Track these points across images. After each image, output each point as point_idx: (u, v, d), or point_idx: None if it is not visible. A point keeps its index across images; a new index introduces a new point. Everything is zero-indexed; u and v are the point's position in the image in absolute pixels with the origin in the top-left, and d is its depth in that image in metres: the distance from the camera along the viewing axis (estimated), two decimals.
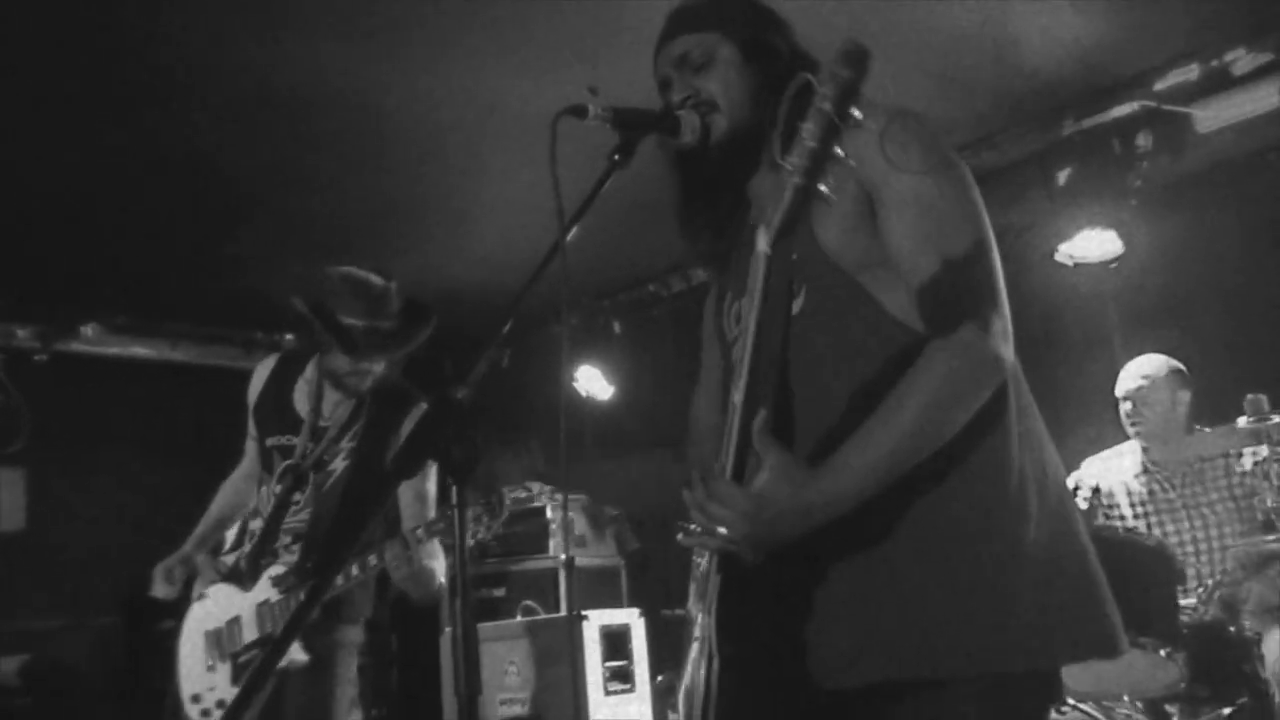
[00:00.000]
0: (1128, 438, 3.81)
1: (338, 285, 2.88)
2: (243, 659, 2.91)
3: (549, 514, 5.23)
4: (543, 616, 4.85)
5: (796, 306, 1.53)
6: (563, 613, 4.89)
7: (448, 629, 4.81)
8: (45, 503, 5.89)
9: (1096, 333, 4.46)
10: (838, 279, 1.52)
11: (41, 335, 4.12)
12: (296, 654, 2.79)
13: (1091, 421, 4.02)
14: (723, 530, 1.39)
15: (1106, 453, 3.87)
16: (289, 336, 6.06)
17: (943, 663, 1.40)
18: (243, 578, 3.00)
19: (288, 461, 3.00)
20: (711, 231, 1.75)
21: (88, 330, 4.03)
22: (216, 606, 3.02)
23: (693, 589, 1.50)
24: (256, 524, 3.07)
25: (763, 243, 1.38)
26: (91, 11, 3.35)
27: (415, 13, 3.47)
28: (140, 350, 5.97)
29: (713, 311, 1.81)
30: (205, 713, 2.92)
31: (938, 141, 1.55)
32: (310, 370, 3.06)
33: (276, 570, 2.93)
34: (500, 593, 5.14)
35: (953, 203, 1.49)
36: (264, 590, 2.92)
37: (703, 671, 1.44)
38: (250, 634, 2.91)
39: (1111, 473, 3.80)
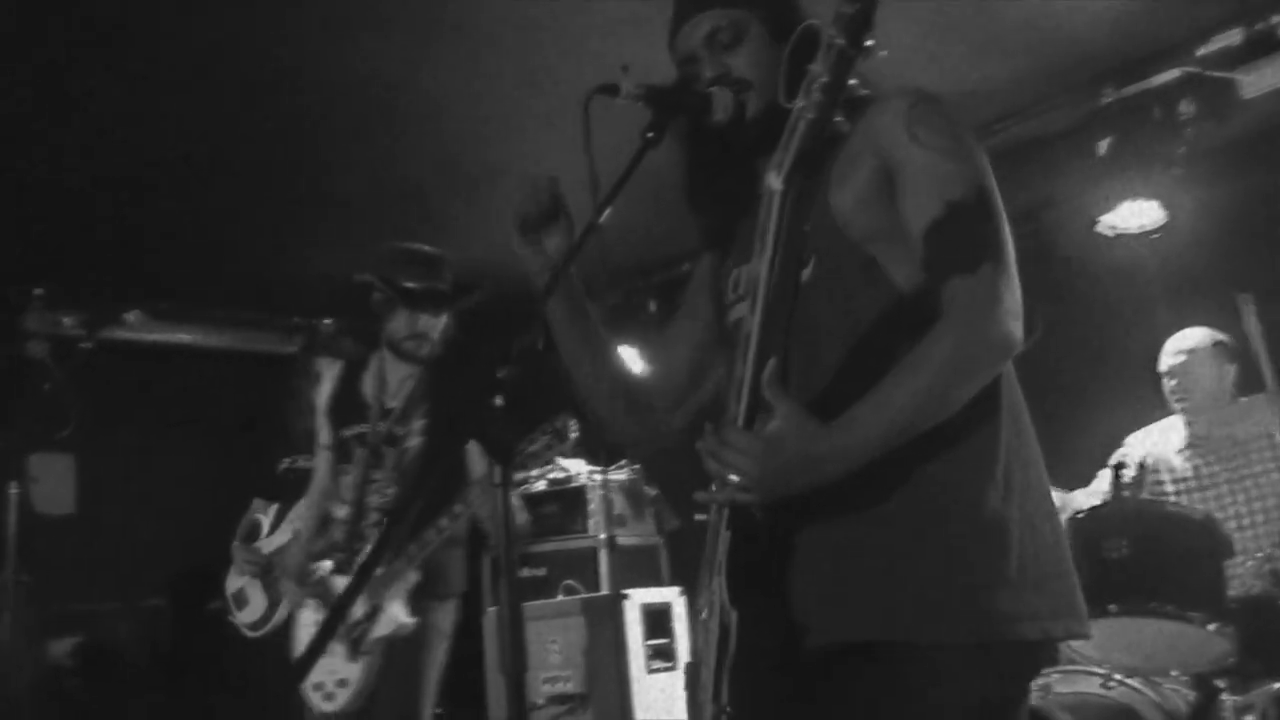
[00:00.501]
0: (1171, 413, 3.76)
1: (396, 255, 3.17)
2: (355, 634, 3.04)
3: (588, 493, 5.25)
4: (584, 595, 4.87)
5: (805, 275, 1.54)
6: (604, 592, 4.91)
7: (491, 608, 4.85)
8: (93, 487, 5.97)
9: (1139, 306, 4.39)
10: (849, 250, 1.54)
11: (87, 323, 4.19)
12: (401, 616, 3.01)
13: (1134, 396, 3.97)
14: (734, 477, 1.40)
15: (1150, 428, 3.82)
16: (326, 321, 6.11)
17: (928, 628, 1.44)
18: (342, 565, 3.14)
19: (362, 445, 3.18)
20: (723, 208, 1.77)
21: (130, 317, 4.10)
22: (323, 599, 3.17)
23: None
24: (342, 511, 3.18)
25: (774, 180, 1.38)
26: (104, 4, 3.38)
27: None
28: (182, 336, 6.05)
29: (707, 272, 1.85)
30: (329, 695, 3.07)
31: (960, 126, 1.58)
32: (374, 362, 3.25)
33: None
34: (541, 572, 5.16)
35: (972, 184, 1.51)
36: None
37: (715, 628, 1.46)
38: (360, 610, 3.04)
39: (1156, 447, 3.75)
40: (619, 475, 5.38)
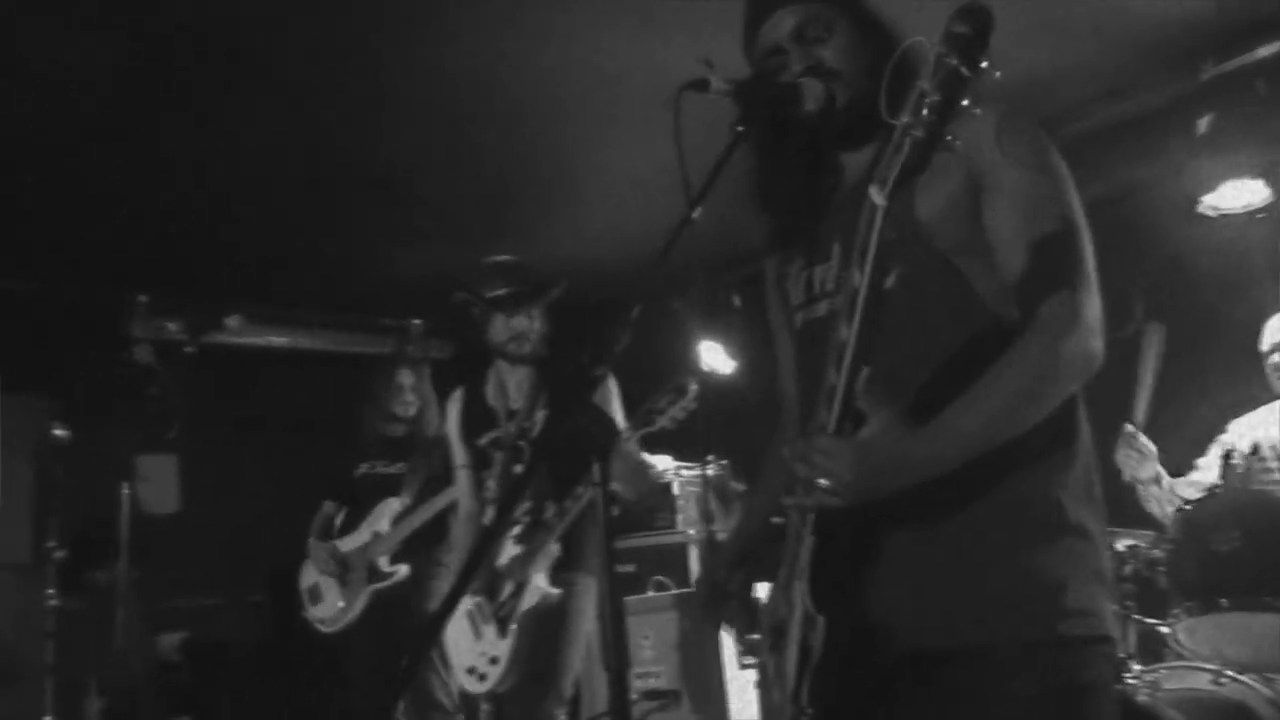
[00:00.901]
0: (1277, 396, 3.63)
1: (480, 270, 3.42)
2: (503, 611, 3.23)
3: (676, 489, 5.25)
4: (676, 591, 4.87)
5: (888, 283, 1.51)
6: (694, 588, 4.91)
7: None
8: (196, 486, 6.14)
9: (1243, 287, 4.23)
10: (933, 260, 1.55)
11: (189, 328, 4.34)
12: (545, 587, 3.18)
13: (1239, 381, 3.83)
14: (823, 481, 1.40)
15: (1256, 412, 3.69)
16: (416, 322, 6.21)
17: (1012, 628, 1.47)
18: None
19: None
20: (796, 206, 1.76)
21: (231, 322, 4.24)
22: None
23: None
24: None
25: (878, 196, 1.37)
26: (218, 13, 3.47)
27: None
28: (277, 339, 6.20)
29: (776, 278, 1.84)
30: (483, 676, 3.25)
31: (1047, 140, 1.60)
32: (490, 374, 3.48)
33: (515, 530, 3.28)
34: (630, 568, 5.18)
35: (1058, 201, 1.54)
36: (508, 551, 3.26)
37: (797, 631, 1.48)
38: (506, 587, 3.23)
39: (1262, 433, 3.62)
40: (707, 470, 5.37)
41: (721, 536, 5.21)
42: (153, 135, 4.25)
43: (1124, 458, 3.37)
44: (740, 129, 1.59)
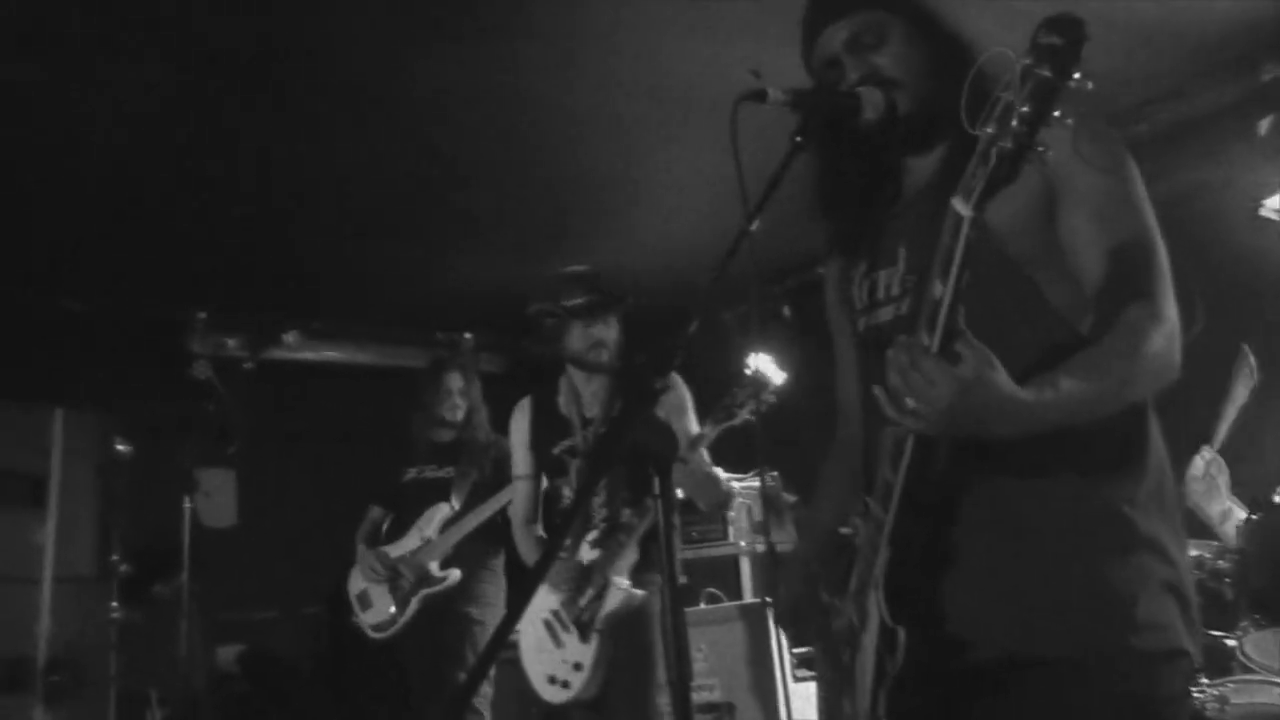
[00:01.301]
0: None
1: (556, 281, 3.41)
2: (585, 615, 3.22)
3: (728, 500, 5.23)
4: (729, 604, 4.84)
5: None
6: (747, 600, 4.88)
7: None
8: (254, 500, 6.23)
9: None
10: (1004, 267, 1.52)
11: (248, 344, 4.40)
12: (626, 587, 3.18)
13: None
14: (913, 403, 1.35)
15: None
16: (467, 336, 6.25)
17: (1089, 639, 1.46)
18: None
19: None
20: (857, 210, 1.76)
21: (289, 338, 4.29)
22: (541, 601, 3.31)
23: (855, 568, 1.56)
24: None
25: (963, 207, 1.34)
26: (273, 32, 3.53)
27: (570, 5, 3.52)
28: (331, 353, 6.27)
29: (837, 283, 1.83)
30: (566, 684, 3.22)
31: (1122, 144, 1.59)
32: (562, 384, 3.48)
33: (593, 535, 3.30)
34: (683, 580, 5.16)
35: (1136, 207, 1.54)
36: (586, 555, 3.26)
37: (871, 643, 1.48)
38: (585, 594, 3.22)
39: None
40: (757, 482, 5.35)
41: (782, 548, 5.19)
42: (210, 154, 4.33)
43: (1193, 483, 3.22)
44: (799, 139, 1.58)
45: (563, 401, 3.47)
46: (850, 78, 1.65)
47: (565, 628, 3.25)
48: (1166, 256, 1.53)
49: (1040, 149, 1.28)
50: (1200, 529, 3.30)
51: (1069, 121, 1.33)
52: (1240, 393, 3.21)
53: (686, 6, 3.56)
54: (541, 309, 3.38)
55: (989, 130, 1.30)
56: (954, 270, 1.35)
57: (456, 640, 4.18)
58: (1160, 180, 1.56)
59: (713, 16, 3.61)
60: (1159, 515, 1.54)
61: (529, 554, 3.47)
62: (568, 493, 3.39)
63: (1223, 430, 3.23)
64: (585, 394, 3.44)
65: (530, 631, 3.36)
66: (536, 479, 3.50)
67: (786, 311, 5.94)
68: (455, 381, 4.50)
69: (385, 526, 4.54)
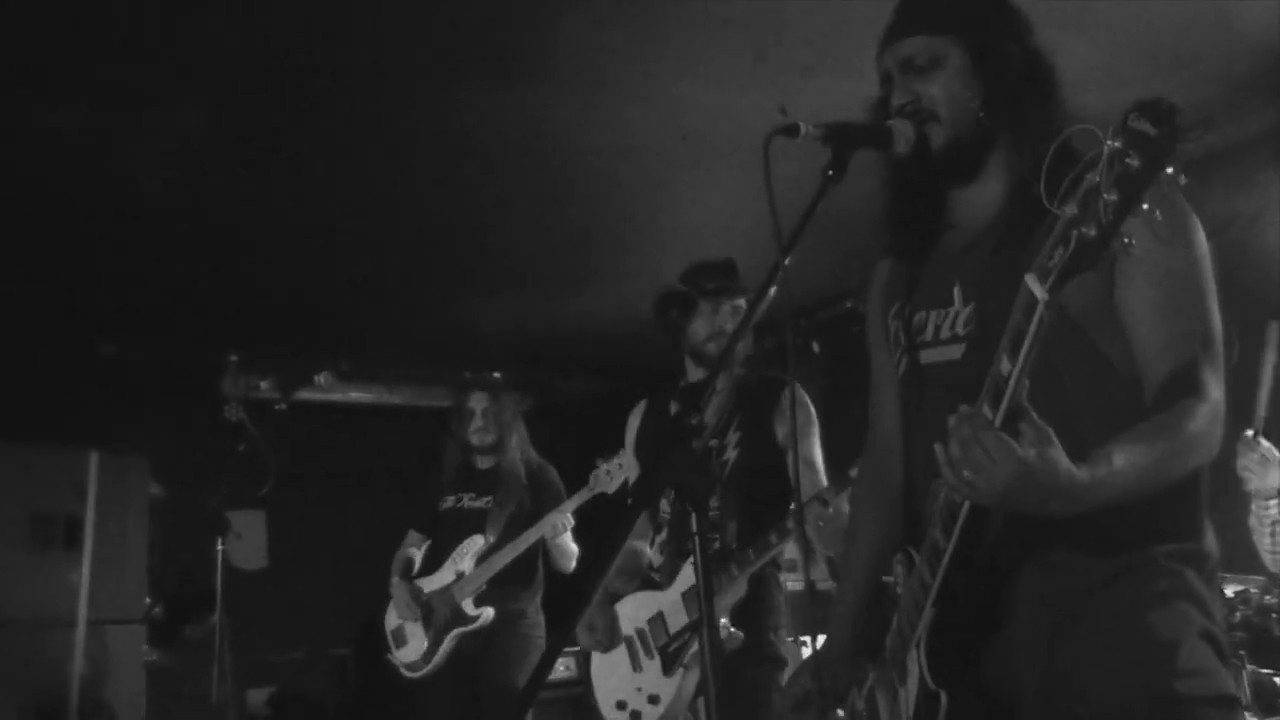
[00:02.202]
0: None
1: (695, 267, 3.28)
2: (673, 647, 2.96)
3: None
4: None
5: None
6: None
7: None
8: (283, 542, 6.24)
9: None
10: (1064, 328, 1.47)
11: (280, 385, 4.42)
12: (727, 625, 2.89)
13: None
14: (970, 475, 1.32)
15: None
16: (496, 375, 6.25)
17: (1135, 688, 1.43)
18: (655, 581, 3.09)
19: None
20: (918, 235, 1.73)
21: (321, 379, 4.30)
22: (630, 613, 3.08)
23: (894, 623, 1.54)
24: (659, 541, 3.18)
25: (1039, 289, 1.30)
26: (304, 77, 3.58)
27: (597, 48, 3.55)
28: (360, 395, 6.30)
29: (881, 310, 1.80)
30: (636, 714, 2.98)
31: (1184, 206, 1.53)
32: (677, 389, 3.31)
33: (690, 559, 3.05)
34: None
35: (1195, 282, 1.52)
36: (686, 580, 2.97)
37: (910, 707, 1.45)
38: (678, 622, 2.97)
39: None
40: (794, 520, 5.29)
41: (821, 586, 5.11)
42: (242, 198, 4.38)
43: (1244, 468, 3.08)
44: (830, 173, 1.57)
45: (672, 406, 3.30)
46: (893, 102, 1.65)
47: (649, 652, 3.01)
48: (1219, 325, 1.52)
49: (1125, 240, 1.23)
50: (1245, 563, 3.23)
51: (1157, 215, 1.26)
52: (1270, 364, 3.11)
53: (709, 51, 3.58)
54: (673, 289, 3.24)
55: (1071, 210, 1.26)
56: (1024, 350, 1.32)
57: (486, 691, 4.04)
58: (1196, 209, 1.51)
59: (736, 60, 3.63)
60: (1202, 577, 1.53)
61: (617, 563, 3.16)
62: (664, 505, 3.14)
63: (1261, 410, 3.11)
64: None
65: (606, 685, 3.11)
66: None
67: (816, 346, 5.92)
68: (479, 402, 4.30)
69: (421, 555, 4.38)
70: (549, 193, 4.53)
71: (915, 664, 1.45)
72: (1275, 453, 3.08)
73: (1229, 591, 2.99)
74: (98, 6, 3.11)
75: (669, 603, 3.00)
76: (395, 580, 4.30)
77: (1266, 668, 2.95)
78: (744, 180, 4.17)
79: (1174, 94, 3.80)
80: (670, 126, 4.04)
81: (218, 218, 4.51)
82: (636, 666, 3.01)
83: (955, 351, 1.61)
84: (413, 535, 4.44)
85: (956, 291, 1.63)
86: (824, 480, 3.00)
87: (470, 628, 4.08)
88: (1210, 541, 1.57)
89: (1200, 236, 1.55)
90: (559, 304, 5.75)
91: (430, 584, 4.26)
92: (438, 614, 4.15)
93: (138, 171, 4.05)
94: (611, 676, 3.07)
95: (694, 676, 2.91)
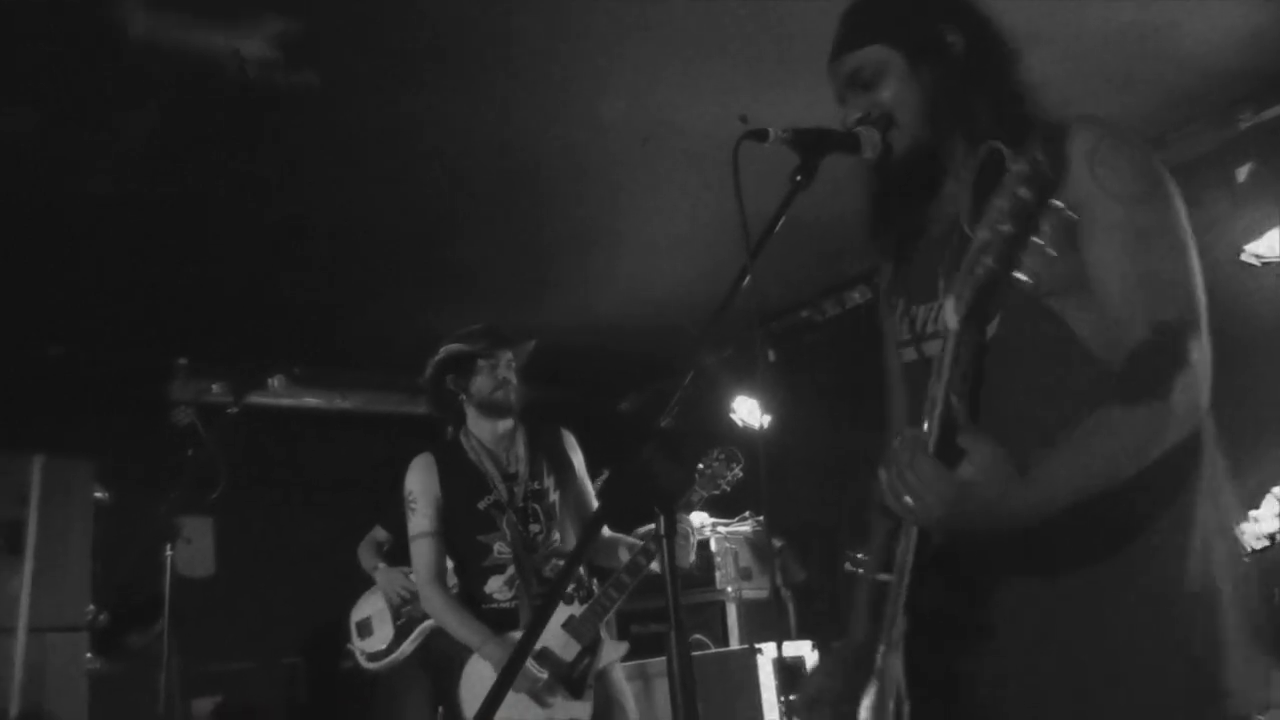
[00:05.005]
0: None
1: (450, 343, 3.54)
2: (576, 673, 3.17)
3: (713, 546, 5.19)
4: (716, 650, 4.79)
5: (990, 331, 1.50)
6: (733, 646, 4.83)
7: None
8: (231, 549, 6.14)
9: None
10: (1033, 305, 1.47)
11: (232, 389, 4.35)
12: (617, 644, 3.26)
13: None
14: (910, 501, 1.33)
15: None
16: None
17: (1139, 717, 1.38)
18: (519, 617, 3.27)
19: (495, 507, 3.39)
20: (899, 236, 1.74)
21: (274, 382, 4.24)
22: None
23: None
24: (501, 581, 3.32)
25: (951, 318, 1.34)
26: (257, 80, 3.53)
27: (557, 55, 3.54)
28: (317, 400, 6.22)
29: (887, 312, 1.81)
30: None
31: (1149, 160, 1.50)
32: (465, 441, 3.46)
33: (570, 589, 3.28)
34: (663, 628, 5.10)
35: (1162, 237, 1.44)
36: (561, 612, 3.22)
37: (890, 713, 1.42)
38: (571, 650, 3.18)
39: None
40: (743, 528, 5.32)
41: (752, 594, 5.12)
42: (193, 200, 4.31)
43: None
44: (799, 178, 1.58)
45: (472, 456, 3.44)
46: (849, 117, 1.65)
47: (550, 688, 3.14)
48: (1199, 279, 1.44)
49: (1021, 277, 1.25)
50: None
51: (1084, 144, 1.34)
52: None
53: (674, 57, 3.59)
54: (446, 356, 3.46)
55: (982, 235, 1.29)
56: (945, 373, 1.35)
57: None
58: None
59: (701, 66, 3.64)
60: (1209, 570, 1.44)
61: (441, 612, 3.32)
62: (500, 548, 3.33)
63: None
64: (496, 448, 3.44)
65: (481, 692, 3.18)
66: (441, 535, 3.37)
67: (771, 355, 5.94)
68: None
69: (385, 550, 4.44)
70: (508, 198, 4.51)
71: (895, 669, 1.43)
72: None
73: None
74: (46, 5, 3.05)
75: (551, 636, 3.20)
76: (380, 566, 4.39)
77: None
78: (704, 187, 4.21)
79: (1124, 112, 3.91)
80: (630, 133, 4.04)
81: (169, 218, 4.44)
82: (543, 704, 3.14)
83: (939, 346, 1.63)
84: (379, 530, 4.50)
85: (941, 284, 1.64)
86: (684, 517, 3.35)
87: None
88: (1214, 513, 1.47)
89: (1172, 192, 1.48)
90: (518, 311, 5.73)
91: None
92: (410, 604, 4.21)
93: (86, 172, 3.98)
94: (513, 714, 3.14)
95: (599, 694, 3.17)
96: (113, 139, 3.77)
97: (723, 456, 3.27)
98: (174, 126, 3.76)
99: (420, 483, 3.41)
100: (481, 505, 3.37)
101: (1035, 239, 1.24)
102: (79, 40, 3.22)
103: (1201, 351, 1.40)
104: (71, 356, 5.36)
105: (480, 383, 3.43)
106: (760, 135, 1.58)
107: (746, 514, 5.31)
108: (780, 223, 1.56)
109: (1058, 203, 1.24)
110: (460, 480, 3.40)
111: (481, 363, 3.43)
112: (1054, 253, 1.28)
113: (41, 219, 4.32)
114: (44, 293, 4.98)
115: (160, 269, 4.86)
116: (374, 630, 4.33)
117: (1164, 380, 1.35)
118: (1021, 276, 1.27)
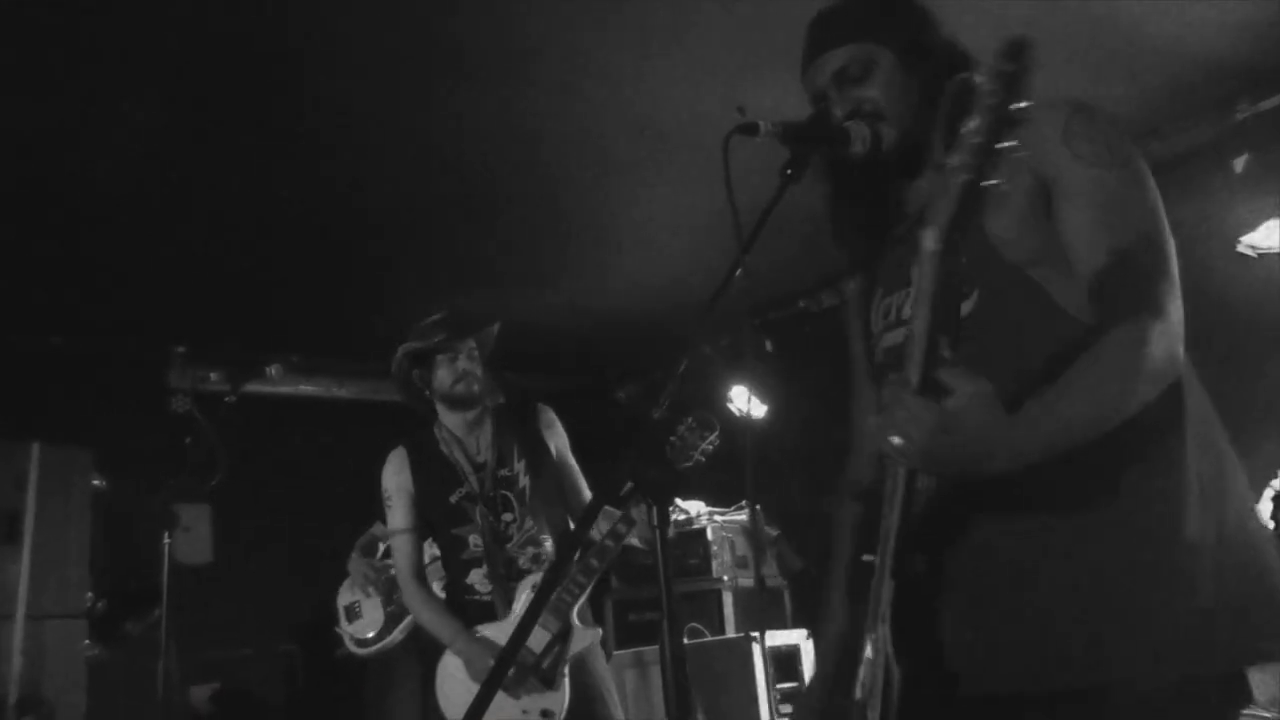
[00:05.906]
0: None
1: (408, 340, 3.46)
2: (547, 662, 3.10)
3: (709, 535, 5.21)
4: (712, 639, 4.81)
5: (967, 308, 1.51)
6: (729, 634, 4.85)
7: (615, 652, 4.82)
8: (229, 536, 6.15)
9: None
10: (1010, 276, 1.50)
11: (230, 377, 4.35)
12: (590, 629, 3.19)
13: None
14: (897, 440, 1.33)
15: None
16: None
17: (1127, 665, 1.38)
18: (496, 610, 3.25)
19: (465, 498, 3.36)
20: (866, 236, 1.75)
21: (272, 370, 4.24)
22: (477, 654, 3.14)
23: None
24: (481, 574, 3.31)
25: (930, 241, 1.34)
26: (255, 70, 3.53)
27: (554, 47, 3.54)
28: (315, 388, 6.22)
29: (858, 308, 1.81)
30: None
31: (1121, 136, 1.53)
32: (436, 431, 3.44)
33: (535, 578, 3.24)
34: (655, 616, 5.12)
35: (1134, 198, 1.48)
36: (526, 602, 3.15)
37: (879, 682, 1.42)
38: (540, 640, 3.11)
39: None
40: (740, 517, 5.34)
41: (748, 583, 5.13)
42: (191, 188, 4.31)
43: None
44: (789, 172, 1.58)
45: (444, 448, 3.41)
46: (837, 113, 1.66)
47: (521, 678, 3.07)
48: (1172, 246, 1.47)
49: (994, 182, 1.27)
50: None
51: (1059, 118, 1.37)
52: None
53: (671, 47, 3.59)
54: (405, 352, 3.41)
55: (955, 159, 1.29)
56: (928, 303, 1.35)
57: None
58: None
59: (696, 58, 3.64)
60: (1204, 517, 1.43)
61: (418, 608, 3.33)
62: (475, 540, 3.30)
63: None
64: (467, 439, 3.42)
65: (460, 691, 3.15)
66: (418, 531, 3.37)
67: (769, 345, 5.95)
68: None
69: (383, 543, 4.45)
70: (503, 189, 4.51)
71: (882, 639, 1.43)
72: None
73: None
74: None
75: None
76: (354, 555, 4.39)
77: None
78: (699, 180, 4.21)
79: (1119, 104, 3.92)
80: (627, 124, 4.04)
81: (166, 207, 4.43)
82: (516, 695, 3.09)
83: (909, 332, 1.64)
84: (378, 526, 4.44)
85: (914, 273, 1.66)
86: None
87: None
88: (1206, 462, 1.48)
89: (1134, 157, 1.51)
90: (513, 299, 5.74)
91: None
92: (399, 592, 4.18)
93: (85, 161, 3.97)
94: (497, 713, 3.09)
95: (574, 680, 3.12)
96: (112, 129, 3.77)
97: (695, 425, 3.06)
98: (174, 117, 3.76)
99: (394, 480, 3.41)
100: (454, 499, 3.36)
101: (1009, 143, 1.25)
102: (77, 26, 3.22)
103: (1175, 304, 1.42)
104: (68, 344, 5.36)
105: (441, 377, 3.39)
106: (750, 129, 1.59)
107: (743, 503, 5.33)
108: (768, 217, 1.56)
109: (1024, 104, 1.24)
110: (433, 474, 3.39)
111: (440, 357, 3.38)
112: (1029, 154, 1.31)
113: (37, 207, 4.31)
114: (42, 281, 4.98)
115: (158, 257, 4.86)
116: (362, 614, 4.33)
117: (1142, 330, 1.38)
118: (994, 181, 1.27)
